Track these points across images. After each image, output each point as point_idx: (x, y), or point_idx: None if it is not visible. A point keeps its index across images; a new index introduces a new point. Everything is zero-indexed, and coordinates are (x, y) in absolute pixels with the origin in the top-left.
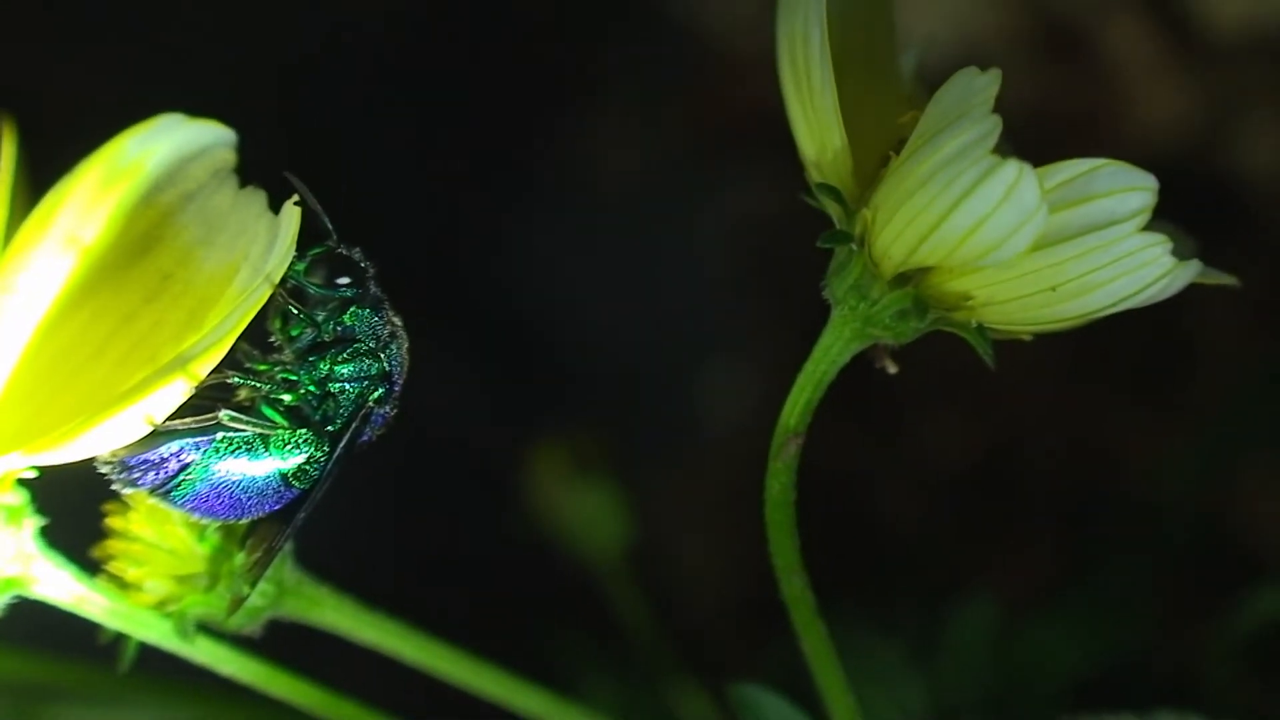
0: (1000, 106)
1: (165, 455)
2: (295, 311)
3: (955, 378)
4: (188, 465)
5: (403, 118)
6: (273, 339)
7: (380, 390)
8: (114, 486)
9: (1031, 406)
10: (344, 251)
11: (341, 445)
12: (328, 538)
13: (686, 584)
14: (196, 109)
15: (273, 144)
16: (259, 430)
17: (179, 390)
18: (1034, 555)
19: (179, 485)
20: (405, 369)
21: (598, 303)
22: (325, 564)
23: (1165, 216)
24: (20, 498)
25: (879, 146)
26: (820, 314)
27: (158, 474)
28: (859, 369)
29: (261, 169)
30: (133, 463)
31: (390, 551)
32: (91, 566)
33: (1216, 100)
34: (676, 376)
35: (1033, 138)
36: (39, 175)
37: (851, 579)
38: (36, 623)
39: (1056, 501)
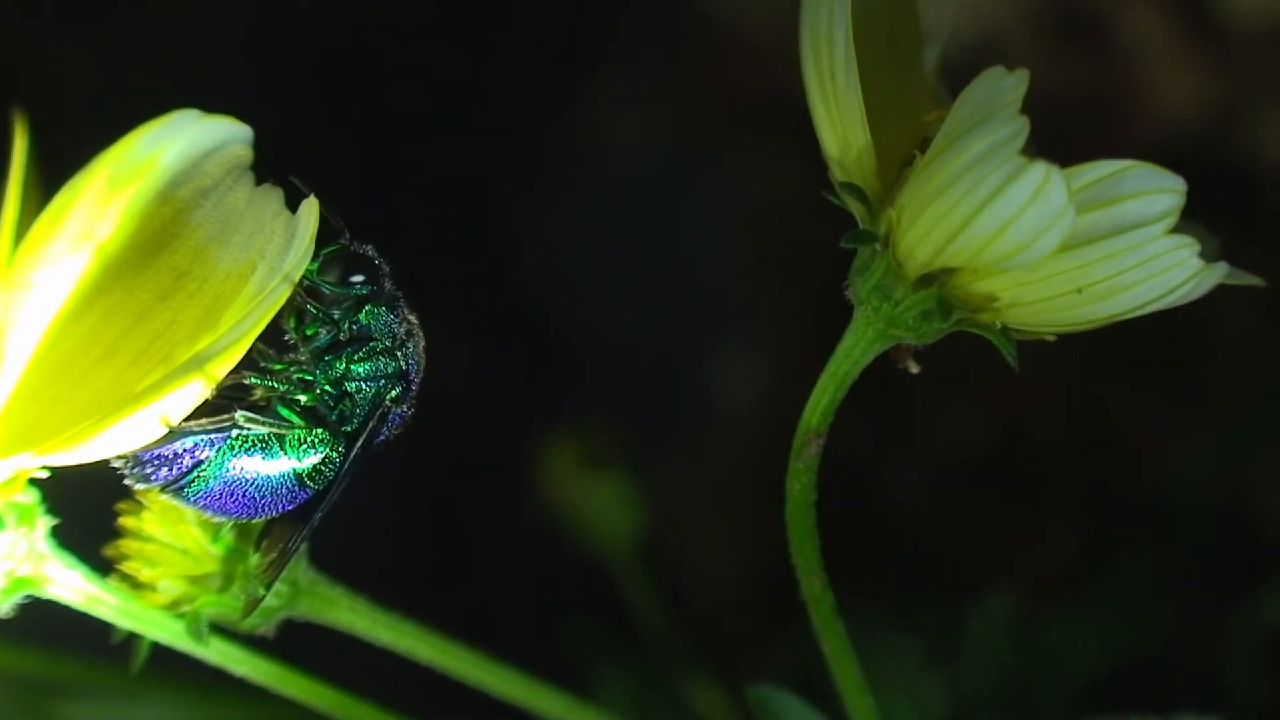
0: None
1: (179, 451)
2: (311, 310)
3: (969, 367)
4: (201, 462)
5: (412, 99)
6: (288, 338)
7: (397, 389)
8: (126, 481)
9: (1047, 397)
10: (358, 249)
11: (358, 445)
12: (339, 535)
13: (698, 571)
14: (205, 91)
15: (275, 128)
16: (274, 430)
17: (195, 391)
18: (1052, 545)
19: (192, 482)
20: (422, 368)
21: (608, 288)
22: (336, 563)
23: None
24: (32, 497)
25: (903, 145)
26: (830, 300)
27: (171, 470)
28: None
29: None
30: (146, 458)
31: (403, 547)
32: (104, 566)
33: (1234, 88)
34: (687, 361)
35: (1049, 123)
36: (48, 152)
37: (868, 570)
38: (48, 619)
39: (1073, 492)
